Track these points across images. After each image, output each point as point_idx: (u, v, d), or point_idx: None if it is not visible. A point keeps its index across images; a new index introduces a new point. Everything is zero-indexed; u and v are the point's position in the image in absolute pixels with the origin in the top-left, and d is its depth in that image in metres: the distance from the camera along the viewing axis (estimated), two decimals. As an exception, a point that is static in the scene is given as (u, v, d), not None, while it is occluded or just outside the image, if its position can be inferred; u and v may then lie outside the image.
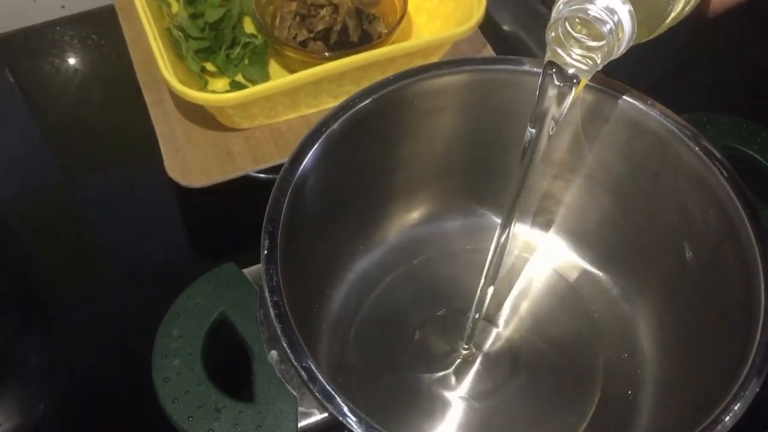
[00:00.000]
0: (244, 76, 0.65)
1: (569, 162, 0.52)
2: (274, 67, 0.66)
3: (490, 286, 0.45)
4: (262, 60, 0.65)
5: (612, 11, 0.33)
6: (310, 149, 0.45)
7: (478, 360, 0.51)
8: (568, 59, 0.36)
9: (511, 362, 0.51)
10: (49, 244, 0.60)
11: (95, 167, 0.65)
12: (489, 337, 0.52)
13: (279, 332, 0.38)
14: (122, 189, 0.63)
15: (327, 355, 0.49)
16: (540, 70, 0.37)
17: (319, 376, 0.37)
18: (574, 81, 0.36)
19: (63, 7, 0.74)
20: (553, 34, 0.35)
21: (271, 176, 0.59)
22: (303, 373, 0.37)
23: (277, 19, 0.65)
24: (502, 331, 0.52)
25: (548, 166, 0.52)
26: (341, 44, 0.64)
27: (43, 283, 0.59)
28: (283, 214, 0.42)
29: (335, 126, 0.46)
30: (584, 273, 0.54)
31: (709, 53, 0.76)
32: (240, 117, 0.59)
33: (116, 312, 0.56)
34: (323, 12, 0.65)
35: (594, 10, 0.33)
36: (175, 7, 0.65)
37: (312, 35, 0.64)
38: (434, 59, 0.62)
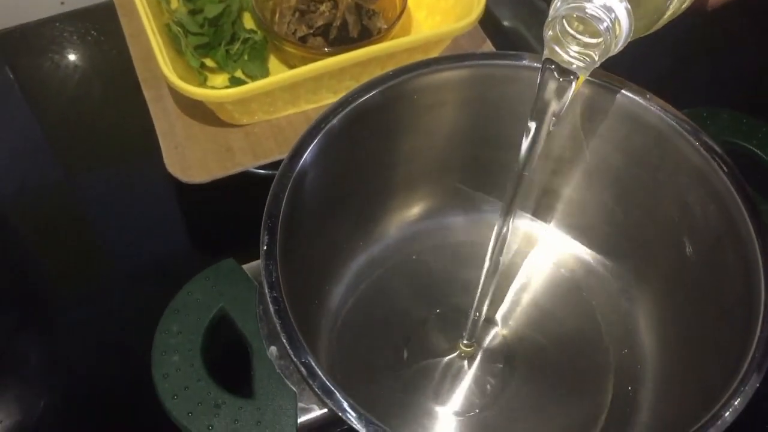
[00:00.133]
0: (243, 72, 0.64)
1: (569, 157, 0.52)
2: (273, 62, 0.66)
3: (490, 281, 0.45)
4: (262, 56, 0.65)
5: (609, 9, 0.33)
6: (310, 145, 0.45)
7: (479, 356, 0.51)
8: (565, 57, 0.36)
9: (511, 358, 0.51)
10: (48, 240, 0.60)
11: (95, 164, 0.64)
12: (490, 333, 0.52)
13: (278, 328, 0.38)
14: (122, 185, 0.63)
15: (326, 350, 0.49)
16: (540, 65, 0.37)
17: (319, 372, 0.37)
18: (573, 77, 0.36)
19: (62, 3, 0.73)
20: (550, 32, 0.35)
21: (270, 172, 0.59)
22: (302, 369, 0.37)
23: (277, 15, 0.65)
24: (502, 326, 0.52)
25: (548, 161, 0.52)
26: (341, 40, 0.64)
27: (43, 280, 0.59)
28: (282, 209, 0.42)
29: (335, 121, 0.46)
30: (584, 268, 0.54)
31: (708, 48, 0.75)
32: (239, 113, 0.59)
33: (116, 309, 0.56)
34: (323, 7, 0.65)
35: (591, 8, 0.33)
36: (175, 3, 0.65)
37: (311, 31, 0.64)
38: (434, 54, 0.62)
